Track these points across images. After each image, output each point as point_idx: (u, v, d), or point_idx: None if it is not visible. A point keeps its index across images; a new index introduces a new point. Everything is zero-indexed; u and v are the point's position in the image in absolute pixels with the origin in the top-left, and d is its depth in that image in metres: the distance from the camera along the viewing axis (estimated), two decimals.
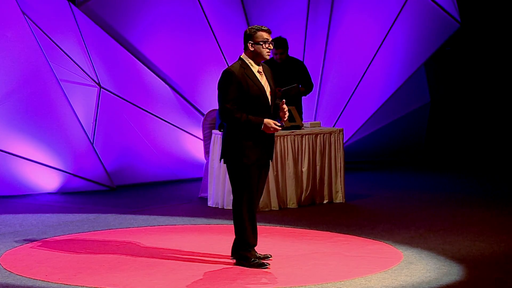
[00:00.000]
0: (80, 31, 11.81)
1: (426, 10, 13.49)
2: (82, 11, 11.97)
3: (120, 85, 12.13)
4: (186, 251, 7.71)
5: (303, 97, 11.57)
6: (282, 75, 10.78)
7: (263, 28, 7.11)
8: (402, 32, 13.51)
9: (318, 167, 10.29)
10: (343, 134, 10.52)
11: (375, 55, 13.47)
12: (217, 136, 10.05)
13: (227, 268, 7.12)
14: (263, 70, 7.18)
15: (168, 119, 12.42)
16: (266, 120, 7.03)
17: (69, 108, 11.26)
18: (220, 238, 8.28)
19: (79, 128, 11.34)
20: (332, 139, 10.41)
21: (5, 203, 10.51)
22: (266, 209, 9.86)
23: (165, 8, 12.46)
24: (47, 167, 11.23)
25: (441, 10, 13.48)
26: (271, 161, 7.40)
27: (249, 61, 7.12)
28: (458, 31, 13.71)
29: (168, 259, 7.41)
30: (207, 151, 10.71)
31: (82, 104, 11.73)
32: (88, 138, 11.45)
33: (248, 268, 7.07)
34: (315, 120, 13.17)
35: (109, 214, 9.75)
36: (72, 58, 11.72)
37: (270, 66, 7.51)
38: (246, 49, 7.13)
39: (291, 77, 11.04)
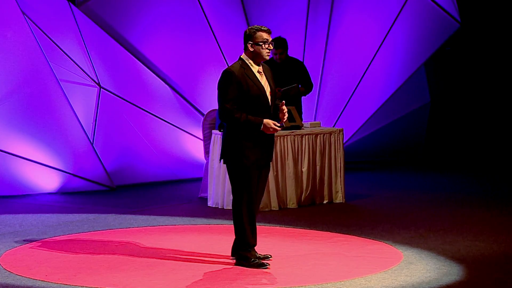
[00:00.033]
0: (80, 31, 11.81)
1: (426, 10, 13.49)
2: (82, 11, 11.97)
3: (120, 85, 12.13)
4: (186, 251, 7.71)
5: (303, 97, 11.57)
6: (282, 75, 10.78)
7: (263, 28, 7.11)
8: (402, 32, 13.51)
9: (318, 167, 10.29)
10: (343, 134, 10.52)
11: (375, 55, 13.47)
12: (217, 136, 10.05)
13: (227, 268, 7.12)
14: (263, 70, 7.18)
15: (168, 119, 12.42)
16: (265, 120, 7.03)
17: (69, 108, 11.26)
18: (220, 238, 8.28)
19: (79, 128, 11.34)
20: (332, 139, 10.41)
21: (5, 203, 10.51)
22: (266, 209, 9.86)
23: (165, 8, 12.46)
24: (47, 167, 11.23)
25: (441, 10, 13.48)
26: (271, 161, 7.39)
27: (249, 61, 7.12)
28: (458, 31, 13.71)
29: (168, 259, 7.41)
30: (207, 151, 10.71)
31: (82, 104, 11.73)
32: (88, 138, 11.45)
33: (248, 268, 7.07)
34: (315, 120, 13.17)
35: (109, 214, 9.75)
36: (72, 58, 11.72)
37: (270, 66, 7.51)
38: (246, 49, 7.13)
39: (291, 77, 11.04)
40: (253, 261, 7.12)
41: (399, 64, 13.66)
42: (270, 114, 7.15)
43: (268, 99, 7.12)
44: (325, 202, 10.39)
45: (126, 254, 7.60)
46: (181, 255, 7.58)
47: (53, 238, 8.38)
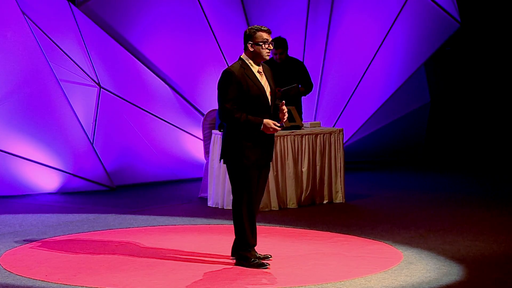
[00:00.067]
0: (80, 31, 11.81)
1: (426, 10, 13.48)
2: (82, 11, 11.97)
3: (120, 85, 12.13)
4: (186, 251, 7.71)
5: (302, 97, 11.57)
6: (282, 75, 10.78)
7: (262, 28, 7.11)
8: (402, 32, 13.51)
9: (318, 167, 10.29)
10: (343, 134, 10.52)
11: (375, 55, 13.47)
12: (217, 136, 10.05)
13: (227, 268, 7.12)
14: (263, 70, 7.18)
15: (168, 119, 12.42)
16: (265, 121, 7.03)
17: (69, 108, 11.26)
18: (220, 238, 8.27)
19: (79, 128, 11.34)
20: (332, 139, 10.41)
21: (5, 203, 10.50)
22: (266, 209, 9.86)
23: (165, 8, 12.46)
24: (47, 167, 11.22)
25: (441, 10, 13.48)
26: (271, 161, 7.39)
27: (249, 61, 7.11)
28: (458, 31, 13.71)
29: (168, 259, 7.41)
30: (207, 151, 10.71)
31: (82, 104, 11.73)
32: (88, 138, 11.44)
33: (248, 268, 7.07)
34: (315, 120, 13.17)
35: (109, 214, 9.75)
36: (72, 58, 11.72)
37: (270, 66, 7.51)
38: (246, 49, 7.13)
39: (291, 77, 11.04)
40: (253, 261, 7.12)
41: (399, 64, 13.66)
42: (270, 114, 7.14)
43: (268, 99, 7.12)
44: (325, 202, 10.38)
45: (126, 254, 7.60)
46: (181, 255, 7.58)
47: (53, 238, 8.38)
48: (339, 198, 10.43)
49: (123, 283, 6.66)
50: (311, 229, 8.83)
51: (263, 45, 7.06)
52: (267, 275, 6.92)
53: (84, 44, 11.82)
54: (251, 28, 7.12)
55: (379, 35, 13.46)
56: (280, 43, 10.98)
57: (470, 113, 15.29)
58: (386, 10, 13.44)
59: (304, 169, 10.18)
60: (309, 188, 10.23)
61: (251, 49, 7.08)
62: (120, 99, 12.07)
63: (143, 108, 12.23)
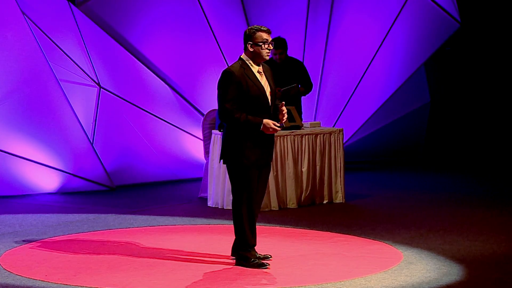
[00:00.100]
0: (80, 31, 11.81)
1: (426, 10, 13.48)
2: (82, 11, 11.97)
3: (119, 85, 12.13)
4: (186, 251, 7.71)
5: (302, 97, 11.57)
6: (282, 75, 10.78)
7: (262, 28, 7.10)
8: (402, 32, 13.50)
9: (318, 167, 10.28)
10: (343, 134, 10.52)
11: (375, 55, 13.46)
12: (217, 136, 10.05)
13: (227, 268, 7.12)
14: (263, 70, 7.17)
15: (168, 119, 12.41)
16: (265, 121, 7.02)
17: (69, 108, 11.26)
18: (220, 238, 8.27)
19: (79, 128, 11.34)
20: (332, 139, 10.41)
21: (4, 203, 10.50)
22: (266, 209, 9.85)
23: (165, 8, 12.46)
24: (46, 167, 11.22)
25: (441, 10, 13.48)
26: (271, 161, 7.38)
27: (249, 62, 7.11)
28: (458, 31, 13.70)
29: (168, 259, 7.41)
30: (207, 151, 10.71)
31: (82, 104, 11.73)
32: (88, 138, 11.44)
33: (247, 268, 7.07)
34: (315, 120, 13.16)
35: (108, 214, 9.74)
36: (72, 58, 11.71)
37: (270, 66, 7.50)
38: (245, 49, 7.12)
39: (291, 77, 11.04)
40: (253, 261, 7.12)
41: (399, 64, 13.66)
42: (270, 114, 7.14)
43: (268, 99, 7.12)
44: (325, 202, 10.38)
45: (126, 254, 7.60)
46: (181, 255, 7.58)
47: (53, 238, 8.38)
48: (339, 198, 10.43)
49: (123, 283, 6.66)
50: (311, 229, 8.82)
51: (263, 45, 7.06)
52: (267, 275, 6.92)
53: (84, 44, 11.82)
54: (251, 28, 7.11)
55: (379, 35, 13.46)
56: (279, 43, 10.98)
57: (470, 113, 15.29)
58: (386, 10, 13.44)
59: (304, 169, 10.17)
60: (309, 188, 10.23)
61: (251, 49, 7.08)
62: (120, 99, 12.07)
63: (143, 108, 12.23)
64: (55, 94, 11.19)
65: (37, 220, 9.40)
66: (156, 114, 12.33)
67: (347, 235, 8.47)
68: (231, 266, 7.16)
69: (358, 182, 12.09)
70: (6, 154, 11.03)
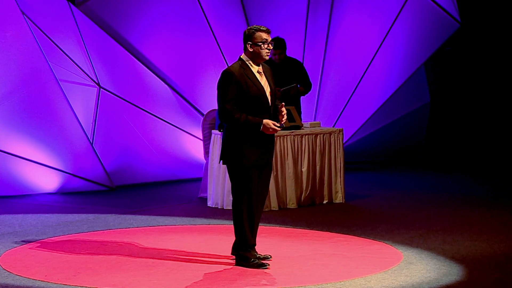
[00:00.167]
0: (79, 31, 11.81)
1: (426, 10, 13.48)
2: (82, 11, 11.97)
3: (119, 85, 12.12)
4: (186, 251, 7.70)
5: (302, 97, 11.56)
6: (281, 75, 10.77)
7: (262, 28, 7.09)
8: (402, 32, 13.50)
9: (318, 167, 10.28)
10: (343, 134, 10.51)
11: (375, 55, 13.46)
12: (216, 136, 10.04)
13: (227, 268, 7.11)
14: (263, 71, 7.17)
15: (167, 119, 12.41)
16: (265, 121, 7.02)
17: (69, 108, 11.26)
18: (220, 238, 8.27)
19: (79, 128, 11.34)
20: (332, 139, 10.40)
21: (4, 203, 10.50)
22: (266, 209, 9.84)
23: (165, 8, 12.45)
24: (46, 167, 11.22)
25: (441, 10, 13.48)
26: (271, 162, 7.37)
27: (248, 62, 7.10)
28: (458, 31, 13.70)
29: (167, 259, 7.40)
30: (206, 151, 10.71)
31: (82, 104, 11.72)
32: (88, 138, 11.44)
33: (247, 269, 7.07)
34: (315, 120, 13.16)
35: (108, 214, 9.74)
36: (72, 58, 11.71)
37: (269, 67, 7.49)
38: (245, 49, 7.11)
39: (290, 77, 11.03)
40: (253, 261, 7.12)
41: (399, 64, 13.65)
42: (270, 114, 7.13)
43: (268, 99, 7.11)
44: (325, 202, 10.38)
45: (126, 254, 7.59)
46: (181, 255, 7.58)
47: (53, 238, 8.38)
48: (339, 198, 10.42)
49: (123, 283, 6.65)
50: (311, 229, 8.82)
51: (262, 45, 7.05)
52: (267, 276, 6.91)
53: (84, 44, 11.82)
54: (250, 28, 7.10)
55: (379, 35, 13.46)
56: (279, 44, 10.97)
57: (470, 113, 15.29)
58: (386, 10, 13.43)
59: (304, 169, 10.17)
60: (309, 188, 10.23)
61: (251, 50, 7.07)
62: (119, 99, 12.06)
63: (143, 108, 12.23)
64: (55, 94, 11.19)
65: (36, 220, 9.39)
66: (156, 114, 12.32)
67: (347, 235, 8.47)
68: (231, 266, 7.15)
69: (358, 182, 12.09)
70: (6, 154, 11.02)
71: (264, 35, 7.06)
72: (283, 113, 7.17)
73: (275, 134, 7.43)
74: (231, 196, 7.30)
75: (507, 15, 15.01)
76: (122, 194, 11.34)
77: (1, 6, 10.98)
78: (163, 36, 12.49)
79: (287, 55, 11.26)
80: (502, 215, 9.58)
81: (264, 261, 7.15)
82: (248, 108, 7.01)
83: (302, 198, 10.20)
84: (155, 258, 7.44)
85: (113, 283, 6.66)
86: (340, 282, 6.67)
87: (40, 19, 11.53)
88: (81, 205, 10.46)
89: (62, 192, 11.31)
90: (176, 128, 12.47)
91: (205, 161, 10.84)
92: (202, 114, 12.40)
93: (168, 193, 11.38)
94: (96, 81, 11.90)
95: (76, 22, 11.81)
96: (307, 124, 10.59)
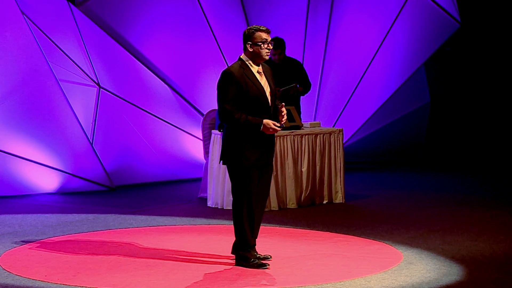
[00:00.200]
0: (79, 31, 11.81)
1: (426, 10, 13.48)
2: (82, 11, 11.97)
3: (119, 85, 12.12)
4: (186, 251, 7.70)
5: (302, 97, 11.56)
6: (281, 75, 10.77)
7: (261, 28, 7.08)
8: (402, 32, 13.50)
9: (317, 167, 10.28)
10: (342, 134, 10.51)
11: (375, 55, 13.46)
12: (216, 136, 10.04)
13: (227, 268, 7.11)
14: (263, 71, 7.16)
15: (167, 119, 12.41)
16: (265, 121, 7.01)
17: (69, 108, 11.26)
18: (219, 238, 8.27)
19: (79, 128, 11.33)
20: (332, 139, 10.40)
21: (4, 203, 10.50)
22: (266, 209, 9.80)
23: (165, 8, 12.45)
24: (46, 167, 11.22)
25: (441, 10, 13.48)
26: (272, 161, 7.37)
27: (248, 62, 7.10)
28: (458, 31, 13.70)
29: (167, 260, 7.40)
30: (206, 151, 10.70)
31: (82, 104, 11.72)
32: (88, 138, 11.44)
33: (247, 269, 7.06)
34: (314, 120, 13.16)
35: (108, 215, 9.74)
36: (72, 58, 11.71)
37: (269, 67, 7.49)
38: (245, 49, 7.11)
39: (289, 77, 11.03)
40: (253, 261, 7.11)
41: (399, 64, 13.65)
42: (270, 114, 7.12)
43: (268, 100, 7.10)
44: (324, 202, 10.38)
45: (125, 254, 7.59)
46: (181, 255, 7.57)
47: (53, 238, 8.37)
48: (339, 198, 10.42)
49: (123, 283, 6.65)
50: (310, 229, 8.82)
51: (262, 45, 7.04)
52: (267, 276, 6.91)
53: (84, 44, 11.82)
54: (250, 28, 7.10)
55: (379, 35, 13.46)
56: (278, 44, 10.97)
57: (470, 113, 15.29)
58: (386, 10, 13.43)
59: (304, 169, 10.17)
60: (309, 188, 10.23)
61: (250, 50, 7.06)
62: (119, 99, 12.06)
63: (143, 108, 12.23)
64: (55, 94, 11.18)
65: (36, 220, 9.39)
66: (156, 114, 12.32)
67: (347, 235, 8.46)
68: (231, 266, 7.15)
69: (358, 182, 12.09)
70: (6, 154, 11.02)
71: (264, 35, 7.05)
72: (283, 113, 7.16)
73: (275, 134, 7.43)
74: (231, 196, 7.30)
75: (507, 15, 15.01)
76: (122, 194, 11.33)
77: (1, 6, 10.98)
78: (163, 36, 12.48)
79: (287, 55, 11.26)
80: (502, 215, 9.57)
81: (264, 261, 7.15)
82: (248, 108, 7.01)
83: (302, 198, 10.20)
84: (155, 258, 7.44)
85: (113, 283, 6.66)
86: (340, 282, 6.66)
87: (40, 19, 11.53)
88: (81, 205, 10.45)
89: (62, 192, 11.31)
90: (176, 128, 12.47)
91: (205, 161, 10.84)
92: (202, 114, 12.40)
93: (168, 193, 11.38)
94: (96, 81, 11.90)
95: (76, 22, 11.80)
96: (307, 124, 10.59)
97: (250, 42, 7.05)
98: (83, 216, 9.64)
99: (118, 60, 12.19)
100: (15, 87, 11.03)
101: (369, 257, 7.52)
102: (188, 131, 12.55)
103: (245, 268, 7.07)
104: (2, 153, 11.00)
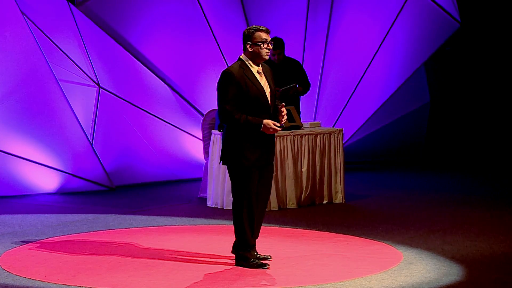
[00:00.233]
0: (79, 31, 11.80)
1: (426, 10, 13.48)
2: (81, 11, 11.96)
3: (119, 85, 12.12)
4: (186, 251, 7.70)
5: (302, 97, 11.56)
6: (280, 75, 10.76)
7: (261, 28, 7.08)
8: (402, 32, 13.50)
9: (317, 167, 10.27)
10: (342, 134, 10.51)
11: (375, 55, 13.46)
12: (216, 136, 10.04)
13: (227, 268, 7.11)
14: (263, 71, 7.16)
15: (167, 119, 12.41)
16: (265, 121, 7.01)
17: (68, 108, 11.25)
18: (219, 239, 8.26)
19: (78, 128, 11.33)
20: (332, 139, 10.40)
21: (4, 203, 10.49)
22: (266, 209, 9.82)
23: (164, 8, 12.45)
24: (46, 167, 11.21)
25: (441, 10, 13.47)
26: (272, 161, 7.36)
27: (248, 62, 7.09)
28: (458, 31, 13.70)
29: (167, 260, 7.40)
30: (206, 151, 10.70)
31: (81, 104, 11.72)
32: (87, 138, 11.44)
33: (247, 269, 7.06)
34: (314, 120, 13.16)
35: (108, 215, 9.74)
36: (71, 58, 11.71)
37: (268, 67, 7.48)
38: (245, 49, 7.10)
39: (289, 77, 11.03)
40: (253, 261, 7.11)
41: (399, 64, 13.65)
42: (270, 114, 7.12)
43: (268, 100, 7.10)
44: (324, 202, 10.37)
45: (125, 255, 7.59)
46: (181, 255, 7.57)
47: (52, 238, 8.37)
48: (338, 198, 10.42)
49: (122, 283, 6.65)
50: (310, 230, 8.81)
51: (262, 45, 7.04)
52: (267, 276, 6.91)
53: (84, 44, 11.82)
54: (250, 29, 7.09)
55: (379, 35, 13.45)
56: (277, 44, 10.96)
57: (470, 113, 15.29)
58: (386, 10, 13.43)
59: (304, 169, 10.17)
60: (309, 188, 10.22)
61: (250, 50, 7.06)
62: (119, 99, 12.06)
63: (143, 108, 12.23)
64: (55, 94, 11.18)
65: (36, 220, 9.39)
66: (156, 114, 12.32)
67: (347, 236, 8.46)
68: (231, 267, 7.15)
69: (358, 182, 12.09)
70: (6, 154, 11.02)
71: (264, 35, 7.05)
72: (283, 113, 7.16)
73: (275, 134, 7.42)
74: (231, 196, 7.30)
75: (507, 15, 15.01)
76: (122, 194, 11.33)
77: (1, 6, 10.97)
78: (163, 36, 12.48)
79: (286, 55, 11.26)
80: (502, 215, 9.57)
81: (264, 261, 7.15)
82: (248, 109, 7.01)
83: (302, 198, 10.20)
84: (155, 258, 7.44)
85: (113, 283, 6.65)
86: (340, 282, 6.66)
87: (40, 19, 11.53)
88: (81, 205, 10.45)
89: (62, 192, 11.30)
90: (176, 128, 12.47)
91: (205, 161, 10.83)
92: (202, 114, 12.40)
93: (168, 193, 11.37)
94: (96, 81, 11.90)
95: (76, 22, 11.80)
96: (307, 124, 10.59)
97: (250, 42, 7.04)
98: (83, 216, 9.64)
99: (118, 60, 12.19)
100: (15, 87, 11.02)
101: (369, 257, 7.52)
102: (188, 131, 12.54)
103: (245, 268, 7.07)
104: (2, 153, 11.00)
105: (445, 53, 15.05)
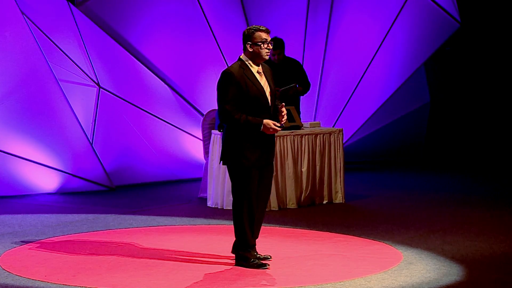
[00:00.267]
0: (79, 31, 11.80)
1: (426, 10, 13.48)
2: (81, 11, 11.96)
3: (119, 85, 12.12)
4: (186, 251, 7.70)
5: (302, 97, 11.56)
6: (280, 75, 10.77)
7: (261, 28, 7.08)
8: (402, 32, 13.50)
9: (317, 167, 10.27)
10: (342, 134, 10.51)
11: (375, 55, 13.46)
12: (216, 136, 10.04)
13: (226, 268, 7.11)
14: (263, 71, 7.15)
15: (167, 119, 12.41)
16: (265, 121, 7.01)
17: (68, 108, 11.25)
18: (219, 239, 8.26)
19: (78, 128, 11.33)
20: (332, 139, 10.40)
21: (4, 203, 10.49)
22: (266, 209, 9.82)
23: (164, 8, 12.45)
24: (46, 167, 11.21)
25: (441, 10, 13.47)
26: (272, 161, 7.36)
27: (248, 62, 7.09)
28: (458, 31, 13.70)
29: (167, 260, 7.40)
30: (206, 151, 10.70)
31: (81, 104, 11.72)
32: (87, 138, 11.44)
33: (247, 269, 7.06)
34: (314, 120, 13.16)
35: (108, 215, 9.74)
36: (71, 58, 11.71)
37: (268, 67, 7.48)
38: (245, 49, 7.10)
39: (289, 77, 11.03)
40: (253, 261, 7.11)
41: (399, 64, 13.65)
42: (270, 114, 7.12)
43: (267, 100, 7.10)
44: (324, 202, 10.37)
45: (125, 255, 7.59)
46: (181, 255, 7.57)
47: (52, 238, 8.37)
48: (338, 198, 10.42)
49: (122, 283, 6.65)
50: (310, 230, 8.81)
51: (262, 45, 7.04)
52: (267, 276, 6.90)
53: (84, 44, 11.82)
54: (250, 29, 7.09)
55: (379, 35, 13.45)
56: (277, 44, 10.96)
57: (470, 113, 15.29)
58: (386, 10, 13.43)
59: (304, 169, 10.16)
60: (309, 188, 10.22)
61: (250, 50, 7.06)
62: (119, 99, 12.06)
63: (143, 108, 12.23)
64: (55, 94, 11.18)
65: (36, 220, 9.39)
66: (156, 114, 12.32)
67: (347, 236, 8.46)
68: (231, 267, 7.15)
69: (358, 182, 12.09)
70: (6, 154, 11.02)
71: (264, 35, 7.05)
72: (283, 113, 7.15)
73: (275, 134, 7.42)
74: (231, 196, 7.30)
75: (507, 15, 15.01)
76: (122, 194, 11.33)
77: (1, 6, 10.97)
78: (163, 36, 12.48)
79: (286, 55, 11.26)
80: (502, 215, 9.57)
81: (264, 261, 7.15)
82: (248, 109, 7.00)
83: (302, 198, 10.20)
84: (155, 258, 7.44)
85: (113, 283, 6.65)
86: (340, 282, 6.66)
87: (40, 19, 11.53)
88: (80, 205, 10.45)
89: (61, 192, 11.30)
90: (176, 128, 12.47)
91: (205, 161, 10.83)
92: (202, 114, 12.40)
93: (168, 193, 11.37)
94: (96, 81, 11.90)
95: (76, 22, 11.80)
96: (307, 124, 10.59)
97: (250, 42, 7.04)
98: (83, 216, 9.64)
99: (118, 60, 12.19)
100: (15, 87, 11.02)
101: (369, 257, 7.52)
102: (188, 131, 12.54)
103: (245, 268, 7.07)
104: (2, 153, 11.00)
105: (445, 53, 15.05)
